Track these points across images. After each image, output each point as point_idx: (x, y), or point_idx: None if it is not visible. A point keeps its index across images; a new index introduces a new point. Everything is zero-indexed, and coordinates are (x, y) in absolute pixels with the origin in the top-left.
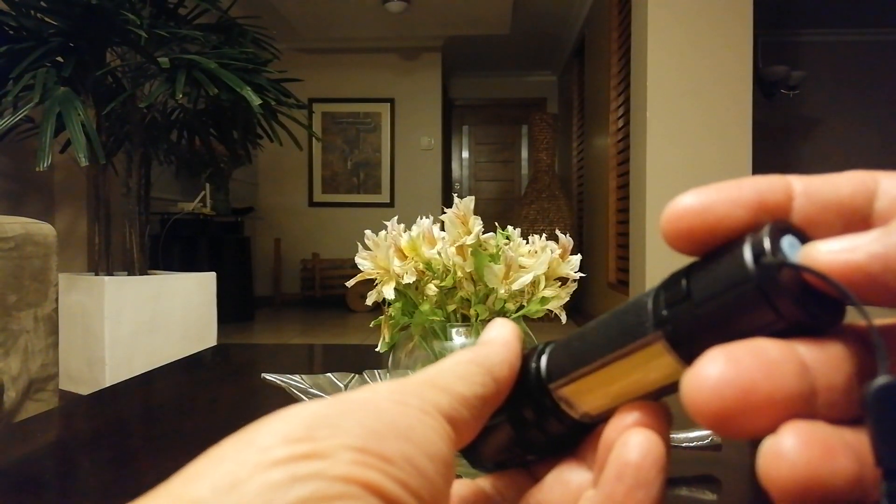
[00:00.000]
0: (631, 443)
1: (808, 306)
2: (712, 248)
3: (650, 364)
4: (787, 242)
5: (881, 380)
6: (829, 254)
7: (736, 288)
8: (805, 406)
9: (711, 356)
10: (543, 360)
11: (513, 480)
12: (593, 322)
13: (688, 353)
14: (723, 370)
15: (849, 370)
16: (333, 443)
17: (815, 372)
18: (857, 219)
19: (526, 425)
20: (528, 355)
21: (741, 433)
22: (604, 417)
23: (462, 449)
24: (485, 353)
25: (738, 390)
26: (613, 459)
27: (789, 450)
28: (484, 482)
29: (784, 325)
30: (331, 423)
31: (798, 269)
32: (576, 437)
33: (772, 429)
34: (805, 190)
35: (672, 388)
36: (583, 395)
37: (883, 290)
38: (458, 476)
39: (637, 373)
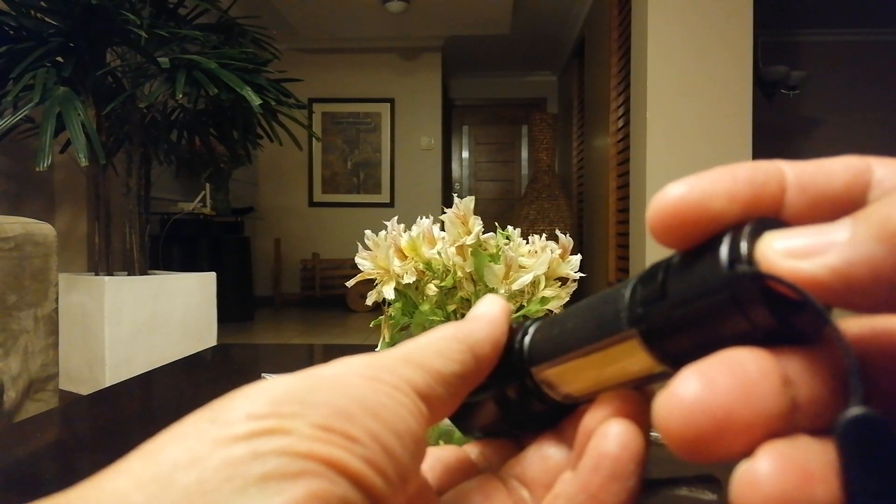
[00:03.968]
0: (610, 434)
1: (789, 316)
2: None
3: (627, 359)
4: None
5: (853, 410)
6: (787, 257)
7: (709, 295)
8: (784, 424)
9: (684, 377)
10: (526, 340)
11: (500, 448)
12: (574, 307)
13: (663, 352)
14: (696, 393)
15: (836, 379)
16: (297, 419)
17: (798, 383)
18: (851, 210)
19: (509, 403)
20: (513, 332)
21: (716, 458)
22: (587, 399)
23: (451, 416)
24: (468, 330)
25: (713, 416)
26: (592, 449)
27: (764, 477)
28: (471, 448)
29: (762, 334)
30: (296, 400)
31: (776, 280)
32: (561, 414)
33: (748, 452)
34: (798, 180)
35: (656, 377)
36: (564, 380)
37: (861, 297)
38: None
39: (615, 365)
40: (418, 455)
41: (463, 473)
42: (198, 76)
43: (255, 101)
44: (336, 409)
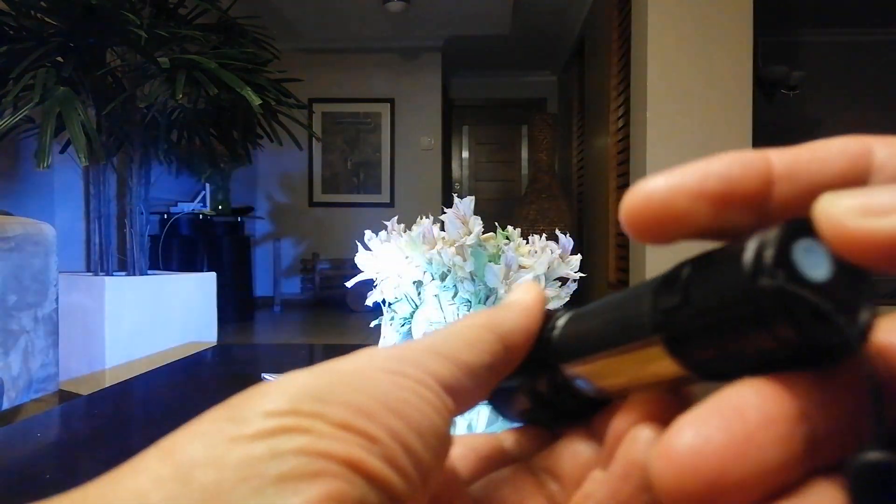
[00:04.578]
0: (639, 440)
1: (818, 332)
2: (714, 248)
3: (654, 363)
4: (803, 248)
5: (869, 455)
6: (863, 215)
7: (730, 309)
8: (790, 474)
9: (678, 429)
10: (556, 334)
11: (536, 436)
12: (604, 302)
13: (687, 359)
14: (688, 448)
15: (858, 407)
16: (317, 418)
17: (816, 416)
18: None
19: (540, 395)
20: (546, 321)
21: None
22: (620, 396)
23: (488, 400)
24: (500, 319)
25: (705, 475)
26: (621, 456)
27: None
28: (506, 436)
29: (788, 351)
30: (316, 397)
31: (804, 298)
32: (594, 408)
33: None
34: (788, 169)
35: (689, 380)
36: (593, 378)
37: None
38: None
39: (644, 367)
40: (441, 452)
41: (495, 463)
42: (198, 76)
43: (255, 101)
44: (356, 406)
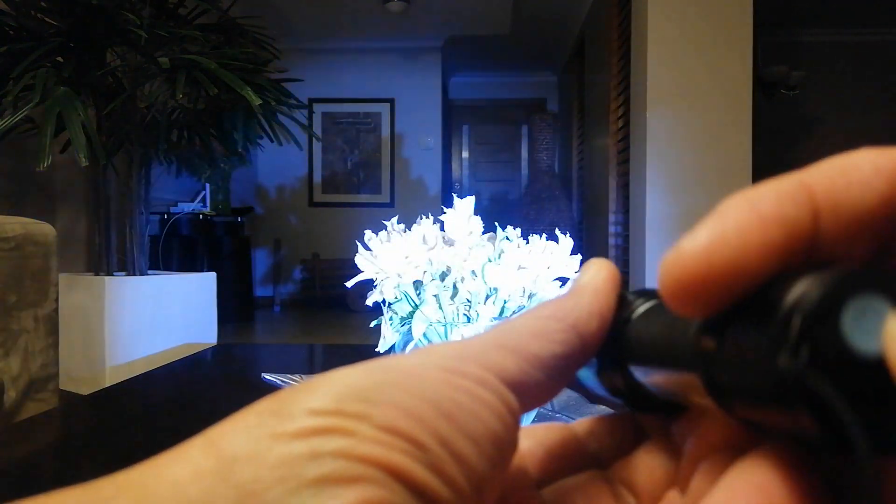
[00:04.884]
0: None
1: (841, 427)
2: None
3: (699, 393)
4: (860, 310)
5: None
6: None
7: (754, 375)
8: None
9: None
10: (628, 329)
11: (615, 428)
12: (660, 308)
13: (722, 404)
14: None
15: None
16: (362, 420)
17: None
18: (887, 224)
19: (617, 391)
20: (622, 304)
21: None
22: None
23: (569, 385)
24: (570, 306)
25: None
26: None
27: None
28: (580, 426)
29: (813, 436)
30: (363, 397)
31: (822, 390)
32: (676, 408)
33: None
34: (829, 200)
35: None
36: (658, 386)
37: None
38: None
39: (695, 393)
40: (500, 459)
41: (567, 460)
42: (198, 76)
43: (255, 101)
44: (405, 409)
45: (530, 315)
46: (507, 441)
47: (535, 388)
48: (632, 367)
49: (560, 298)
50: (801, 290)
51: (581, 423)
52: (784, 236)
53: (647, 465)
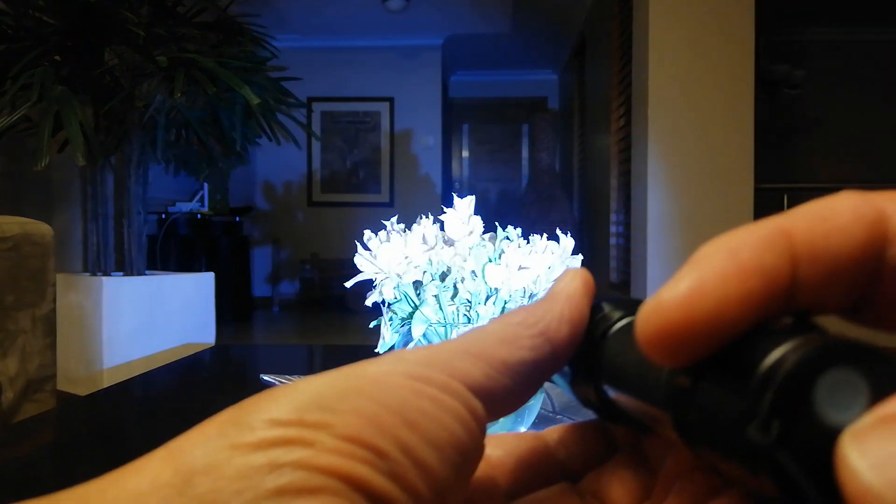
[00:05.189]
0: None
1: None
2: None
3: (669, 429)
4: (833, 385)
5: None
6: (876, 468)
7: (723, 435)
8: None
9: None
10: (602, 346)
11: (586, 436)
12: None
13: (691, 446)
14: None
15: None
16: (322, 429)
17: None
18: (866, 273)
19: (589, 402)
20: (599, 315)
21: None
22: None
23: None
24: (541, 312)
25: None
26: None
27: None
28: (551, 434)
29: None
30: (324, 406)
31: (788, 467)
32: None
33: None
34: (808, 247)
35: None
36: (630, 410)
37: None
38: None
39: (665, 427)
40: (464, 466)
41: (538, 470)
42: (196, 75)
43: (254, 100)
44: (366, 417)
45: (500, 321)
46: (471, 448)
47: (502, 395)
48: (605, 385)
49: (532, 305)
50: (775, 358)
51: (551, 432)
52: (763, 287)
53: (618, 478)
